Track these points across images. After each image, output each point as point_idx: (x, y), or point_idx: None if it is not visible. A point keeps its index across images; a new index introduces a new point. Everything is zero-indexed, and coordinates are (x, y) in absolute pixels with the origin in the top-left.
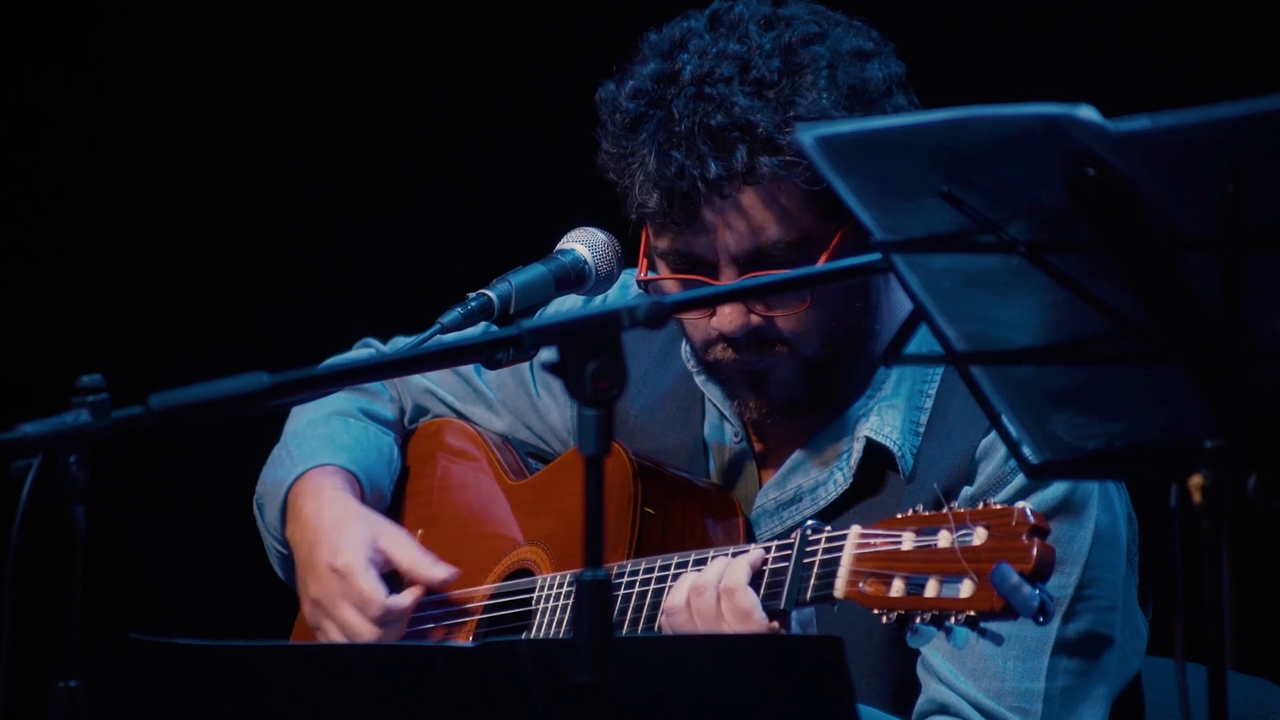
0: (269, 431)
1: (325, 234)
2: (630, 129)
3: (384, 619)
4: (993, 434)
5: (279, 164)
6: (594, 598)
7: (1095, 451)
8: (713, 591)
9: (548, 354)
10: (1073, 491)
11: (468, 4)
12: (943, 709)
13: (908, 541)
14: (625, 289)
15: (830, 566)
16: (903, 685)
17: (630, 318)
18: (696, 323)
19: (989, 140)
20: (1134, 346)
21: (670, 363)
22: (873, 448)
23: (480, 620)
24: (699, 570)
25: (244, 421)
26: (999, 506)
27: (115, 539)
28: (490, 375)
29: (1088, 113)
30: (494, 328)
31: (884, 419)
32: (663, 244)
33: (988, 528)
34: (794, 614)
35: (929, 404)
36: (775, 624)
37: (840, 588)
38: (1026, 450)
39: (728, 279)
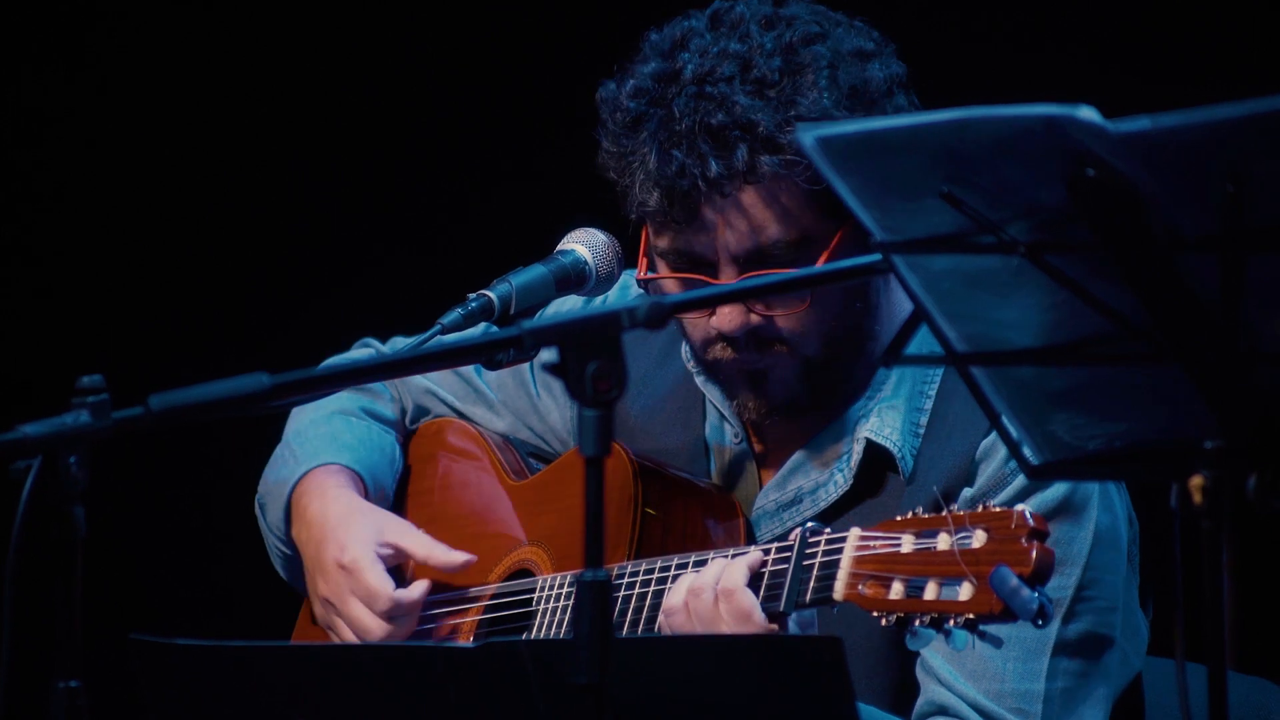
0: (269, 432)
1: (325, 234)
2: (631, 128)
3: (392, 613)
4: (993, 435)
5: (279, 164)
6: (594, 598)
7: (1095, 452)
8: (710, 593)
9: (548, 355)
10: (1073, 493)
11: (468, 4)
12: (941, 710)
13: (907, 544)
14: (625, 289)
15: (830, 569)
16: (902, 686)
17: (630, 318)
18: (696, 322)
19: (989, 141)
20: (1134, 346)
21: (670, 363)
22: (873, 449)
23: (481, 620)
24: (698, 571)
25: (244, 422)
26: (998, 509)
27: (115, 539)
28: (491, 376)
29: (1088, 113)
30: (494, 328)
31: (884, 420)
32: (663, 243)
33: (987, 530)
34: (794, 616)
35: (929, 405)
36: (774, 626)
37: (839, 590)
38: (1027, 451)
39: (727, 278)
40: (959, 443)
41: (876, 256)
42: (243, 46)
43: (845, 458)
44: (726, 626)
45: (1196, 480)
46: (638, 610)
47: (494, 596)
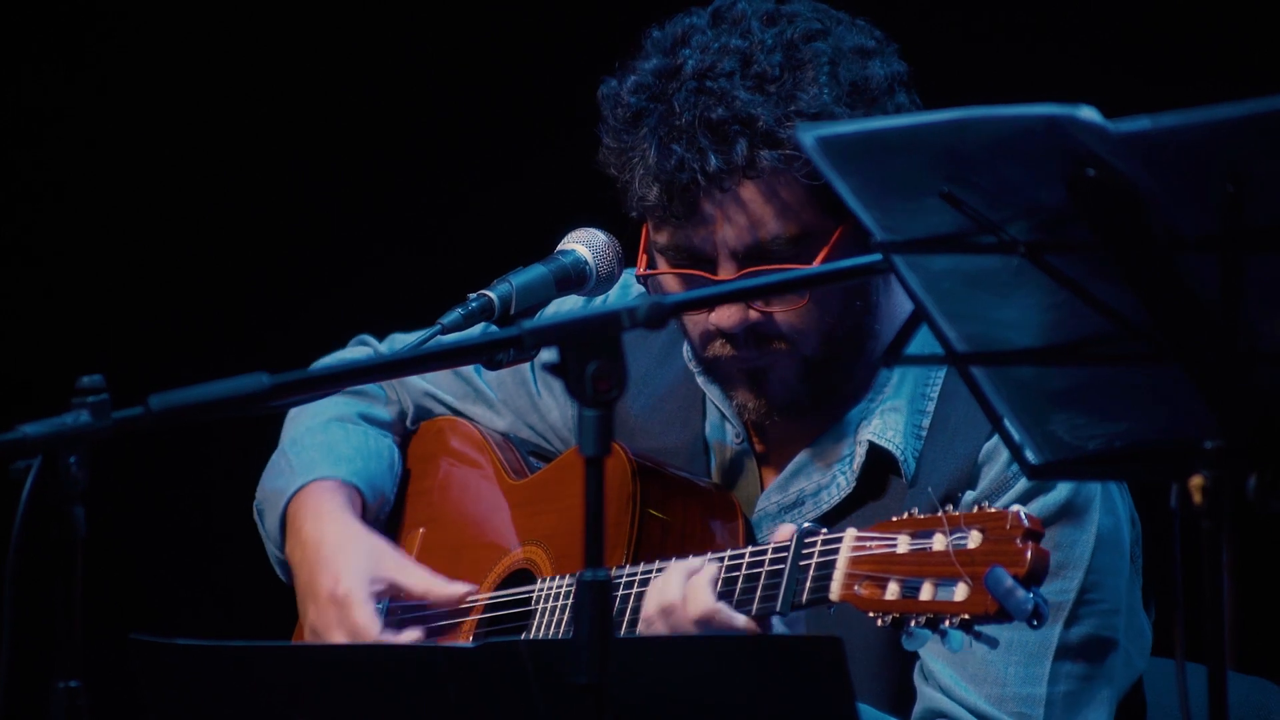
0: (269, 432)
1: (325, 234)
2: (631, 123)
3: None
4: (995, 438)
5: (279, 164)
6: (594, 598)
7: (1095, 452)
8: (681, 615)
9: (548, 355)
10: (1075, 495)
11: (468, 4)
12: (940, 716)
13: (903, 544)
14: (626, 289)
15: (826, 569)
16: (902, 689)
17: (630, 318)
18: (695, 319)
19: (989, 141)
20: (1134, 346)
21: (671, 362)
22: (875, 451)
23: (480, 620)
24: (660, 581)
25: (244, 422)
26: (994, 510)
27: (115, 539)
28: (490, 375)
29: (1088, 113)
30: (494, 328)
31: (886, 422)
32: (662, 239)
33: (982, 531)
34: (774, 620)
35: (931, 407)
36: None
37: (836, 590)
38: (1027, 451)
39: (726, 273)
40: (961, 445)
41: (876, 256)
42: (243, 46)
43: (847, 460)
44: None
45: (1196, 480)
46: (636, 610)
47: (493, 596)
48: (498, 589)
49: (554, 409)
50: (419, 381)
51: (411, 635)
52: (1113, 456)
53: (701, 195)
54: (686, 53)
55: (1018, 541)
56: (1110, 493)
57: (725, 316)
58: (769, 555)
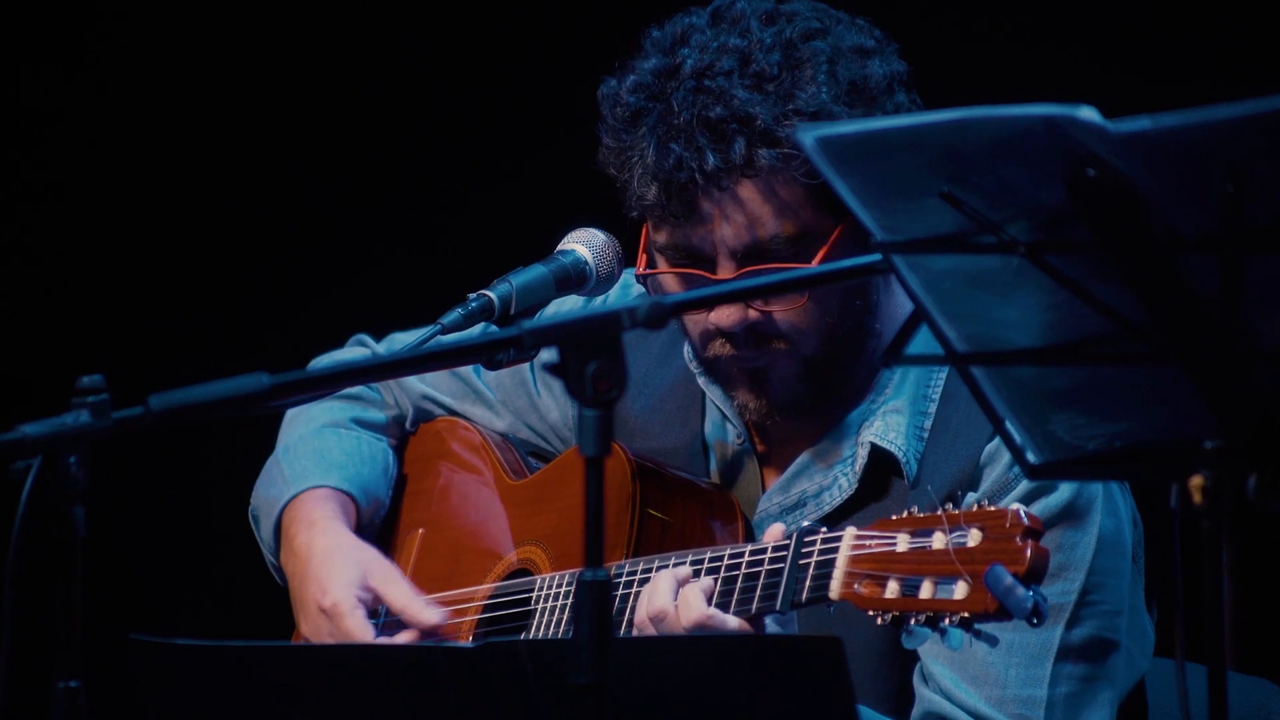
0: (268, 432)
1: (325, 234)
2: (630, 122)
3: None
4: (996, 440)
5: (279, 164)
6: (594, 598)
7: (1095, 452)
8: (673, 622)
9: (548, 355)
10: (1076, 497)
11: (468, 4)
12: (939, 718)
13: (903, 543)
14: (626, 289)
15: (826, 568)
16: (903, 689)
17: (630, 318)
18: (695, 318)
19: (989, 141)
20: (1134, 346)
21: (671, 363)
22: (877, 453)
23: (480, 620)
24: (649, 589)
25: (244, 422)
26: (993, 508)
27: (115, 539)
28: (489, 375)
29: (1088, 113)
30: (494, 328)
31: (888, 424)
32: (661, 238)
33: (982, 529)
34: (767, 620)
35: (933, 409)
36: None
37: (835, 589)
38: (1028, 453)
39: (725, 273)
40: (963, 447)
41: (876, 255)
42: (243, 46)
43: (849, 461)
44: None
45: (1196, 480)
46: (635, 610)
47: (492, 596)
48: (497, 589)
49: (553, 409)
50: (417, 384)
51: (407, 636)
52: (1113, 456)
53: (700, 194)
54: (685, 52)
55: (1017, 540)
56: (1112, 494)
57: (725, 316)
58: (768, 554)
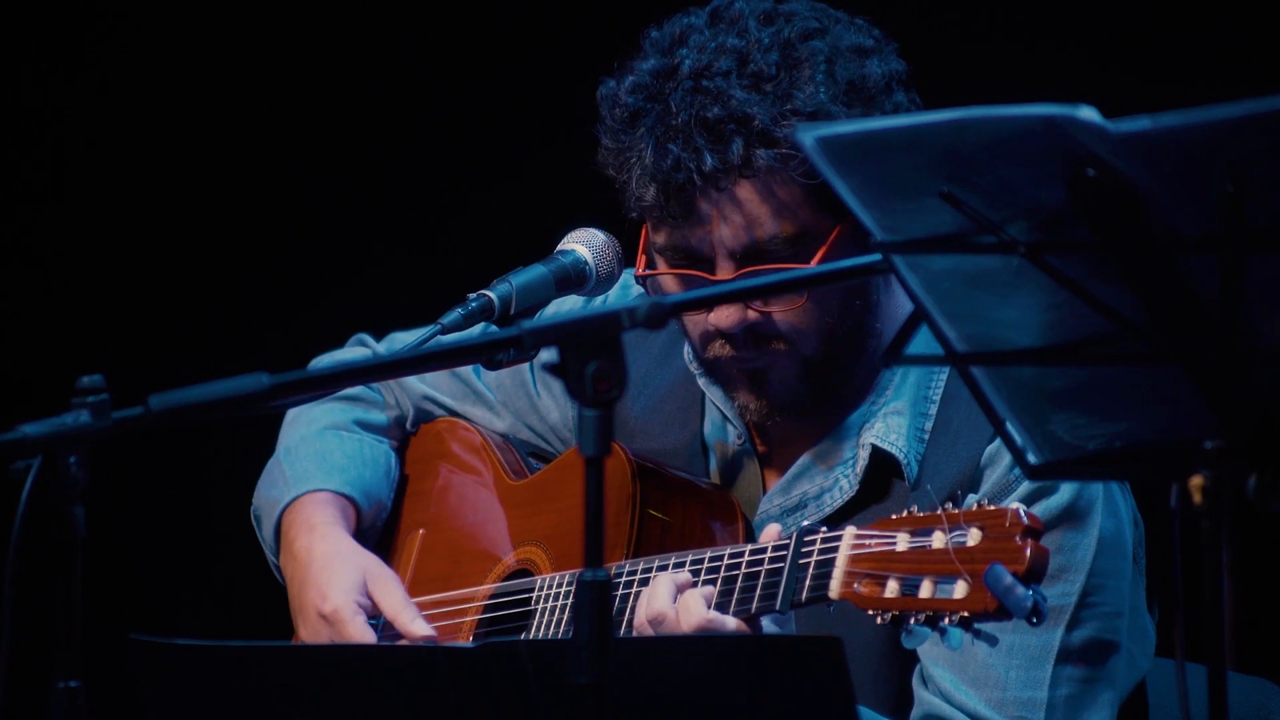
0: (269, 432)
1: (325, 234)
2: (629, 123)
3: None
4: (997, 441)
5: (279, 164)
6: (594, 598)
7: (1095, 452)
8: (672, 625)
9: (548, 355)
10: (1077, 499)
11: (468, 4)
12: None
13: (902, 542)
14: (626, 289)
15: (826, 567)
16: (903, 690)
17: (630, 319)
18: (694, 319)
19: (989, 141)
20: (1134, 346)
21: (671, 363)
22: (878, 455)
23: (480, 620)
24: (648, 593)
25: (244, 422)
26: (993, 508)
27: (115, 539)
28: (489, 376)
29: (1088, 113)
30: (494, 328)
31: (889, 426)
32: (660, 239)
33: (982, 528)
34: (763, 621)
35: (933, 410)
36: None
37: (835, 588)
38: (1028, 453)
39: (724, 273)
40: (964, 448)
41: (876, 256)
42: (243, 46)
43: (850, 463)
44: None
45: (1196, 480)
46: (635, 610)
47: (493, 596)
48: (497, 589)
49: (553, 409)
50: (418, 384)
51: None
52: (1113, 456)
53: (698, 195)
54: (684, 52)
55: (1017, 539)
56: (1113, 495)
57: (724, 317)
58: (768, 554)
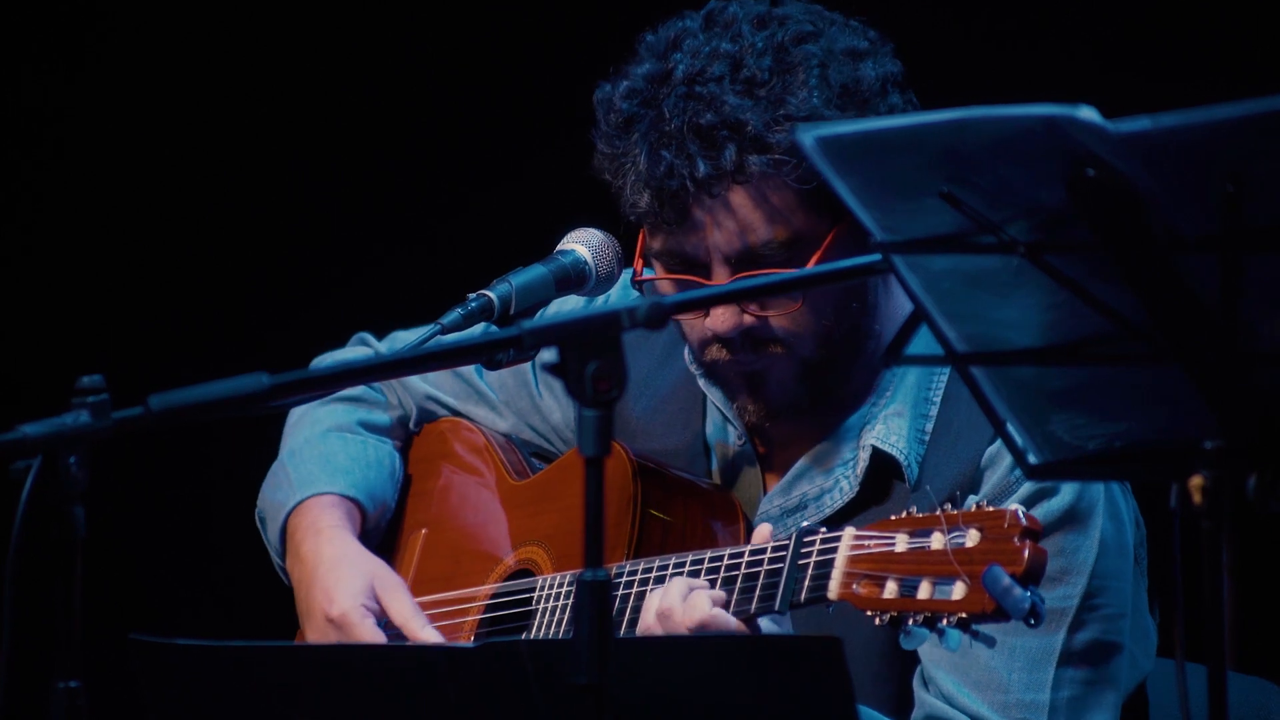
0: (269, 432)
1: (325, 234)
2: (623, 129)
3: None
4: (998, 442)
5: (278, 164)
6: (594, 598)
7: (1095, 452)
8: (677, 620)
9: (548, 355)
10: (1078, 501)
11: (468, 4)
12: None
13: (901, 543)
14: (627, 289)
15: (825, 568)
16: (903, 690)
17: (630, 319)
18: (692, 324)
19: (989, 141)
20: (1134, 346)
21: (672, 364)
22: (878, 456)
23: (481, 620)
24: (661, 591)
25: (244, 422)
26: (992, 509)
27: (115, 539)
28: (492, 376)
29: (1088, 113)
30: (494, 328)
31: (890, 427)
32: (656, 244)
33: (980, 530)
34: (760, 622)
35: (934, 411)
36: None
37: (834, 589)
38: (1029, 454)
39: (720, 279)
40: (964, 450)
41: (875, 256)
42: (243, 46)
43: (850, 464)
44: None
45: (1196, 480)
46: (636, 610)
47: (494, 596)
48: (499, 590)
49: (555, 410)
50: (421, 384)
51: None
52: (1113, 456)
53: (691, 201)
54: (678, 57)
55: (1015, 540)
56: (1113, 496)
57: (720, 321)
58: (768, 554)
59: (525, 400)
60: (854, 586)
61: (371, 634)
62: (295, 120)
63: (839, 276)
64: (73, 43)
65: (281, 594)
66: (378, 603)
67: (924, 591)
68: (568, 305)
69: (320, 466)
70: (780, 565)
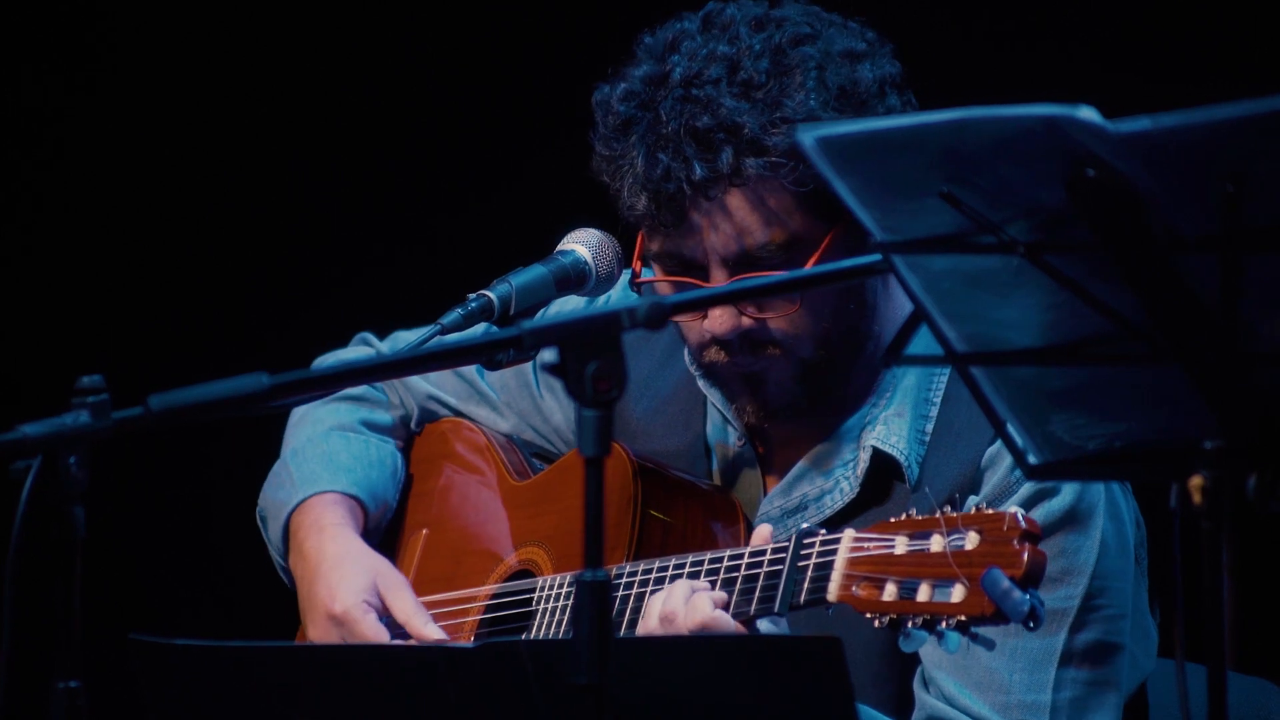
0: (269, 432)
1: (325, 234)
2: (620, 131)
3: None
4: (998, 443)
5: (279, 164)
6: (594, 598)
7: (1095, 452)
8: (680, 623)
9: (548, 355)
10: (1078, 502)
11: (468, 4)
12: None
13: (900, 546)
14: (628, 289)
15: (824, 570)
16: (903, 690)
17: (630, 319)
18: (691, 325)
19: (989, 141)
20: (1134, 346)
21: (673, 365)
22: (879, 457)
23: (481, 620)
24: (664, 593)
25: (244, 422)
26: (991, 511)
27: (115, 539)
28: (493, 377)
29: (1088, 113)
30: (494, 328)
31: (890, 428)
32: (654, 246)
33: (980, 532)
34: (759, 623)
35: (934, 412)
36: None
37: (834, 591)
38: (1029, 455)
39: (718, 281)
40: (965, 450)
41: (874, 256)
42: (243, 46)
43: (851, 465)
44: None
45: (1196, 480)
46: (636, 611)
47: (494, 597)
48: (499, 590)
49: (557, 411)
50: (422, 384)
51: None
52: (1113, 456)
53: (689, 204)
54: (675, 59)
55: (1015, 543)
56: (1114, 496)
57: (718, 323)
58: (768, 556)
59: (527, 401)
60: (853, 589)
61: (374, 630)
62: (296, 121)
63: (838, 277)
64: (73, 43)
65: (281, 594)
66: (380, 600)
67: (923, 594)
68: (569, 305)
69: (323, 465)
70: (780, 567)
